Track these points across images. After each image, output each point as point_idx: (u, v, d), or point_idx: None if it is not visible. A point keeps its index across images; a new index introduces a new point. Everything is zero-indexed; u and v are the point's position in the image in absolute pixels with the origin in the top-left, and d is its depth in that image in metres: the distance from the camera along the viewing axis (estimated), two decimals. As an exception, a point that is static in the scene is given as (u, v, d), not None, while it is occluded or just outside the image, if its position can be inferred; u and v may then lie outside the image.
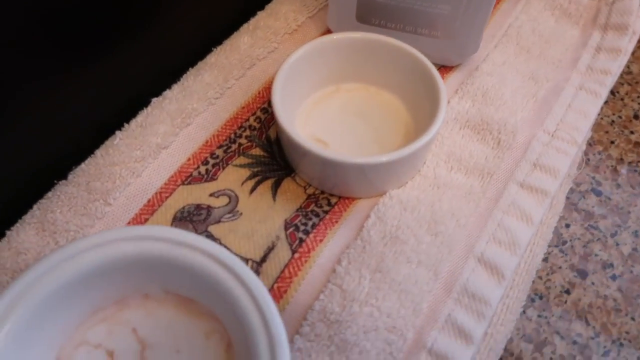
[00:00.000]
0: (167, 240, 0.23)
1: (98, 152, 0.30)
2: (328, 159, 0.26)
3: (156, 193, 0.29)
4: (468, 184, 0.29)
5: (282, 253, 0.27)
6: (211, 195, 0.29)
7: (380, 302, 0.25)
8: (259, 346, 0.21)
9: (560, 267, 0.30)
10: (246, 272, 0.23)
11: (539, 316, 0.26)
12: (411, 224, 0.27)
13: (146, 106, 0.32)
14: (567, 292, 0.28)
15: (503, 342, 0.25)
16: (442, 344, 0.25)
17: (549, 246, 0.29)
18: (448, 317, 0.25)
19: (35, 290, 0.22)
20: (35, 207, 0.28)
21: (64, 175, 0.29)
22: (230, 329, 0.25)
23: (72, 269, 0.23)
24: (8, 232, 0.27)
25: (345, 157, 0.26)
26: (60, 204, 0.28)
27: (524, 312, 0.26)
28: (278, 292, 0.26)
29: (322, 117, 0.31)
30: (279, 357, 0.21)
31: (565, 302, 0.28)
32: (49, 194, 0.28)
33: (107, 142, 0.30)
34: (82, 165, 0.29)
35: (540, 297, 0.27)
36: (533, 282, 0.27)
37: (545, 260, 0.28)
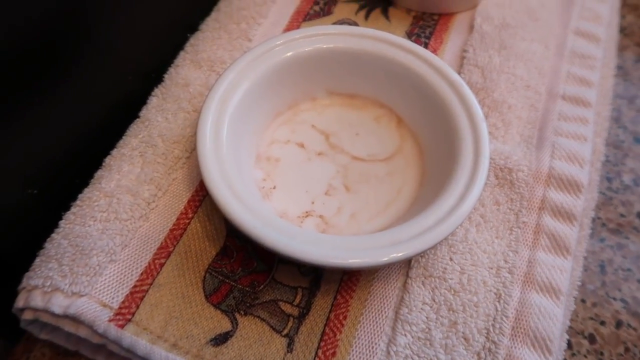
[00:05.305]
0: (351, 34, 0.27)
1: (220, 4, 0.32)
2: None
3: (283, 30, 0.32)
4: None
5: (414, 54, 0.31)
6: (334, 24, 0.32)
7: (512, 70, 0.30)
8: (445, 94, 0.25)
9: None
10: (413, 44, 0.27)
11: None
12: (514, 14, 0.32)
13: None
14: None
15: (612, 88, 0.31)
16: (571, 90, 0.30)
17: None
18: (568, 73, 0.30)
19: (239, 86, 0.25)
20: (181, 53, 0.30)
21: (195, 28, 0.32)
22: (399, 108, 0.28)
23: (265, 65, 0.26)
24: (165, 75, 0.29)
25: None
26: (205, 46, 0.30)
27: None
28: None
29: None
30: (467, 98, 0.25)
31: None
32: (191, 41, 0.31)
33: (226, -4, 0.33)
34: (211, 15, 0.32)
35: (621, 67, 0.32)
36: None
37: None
